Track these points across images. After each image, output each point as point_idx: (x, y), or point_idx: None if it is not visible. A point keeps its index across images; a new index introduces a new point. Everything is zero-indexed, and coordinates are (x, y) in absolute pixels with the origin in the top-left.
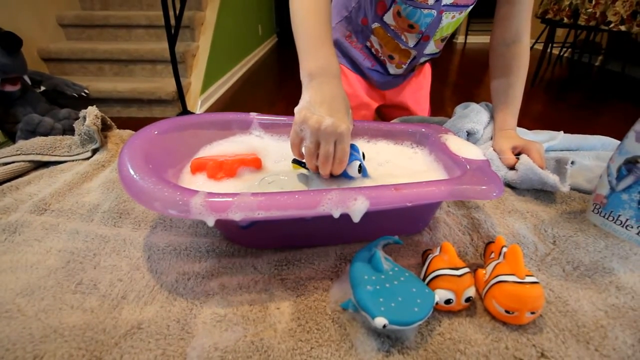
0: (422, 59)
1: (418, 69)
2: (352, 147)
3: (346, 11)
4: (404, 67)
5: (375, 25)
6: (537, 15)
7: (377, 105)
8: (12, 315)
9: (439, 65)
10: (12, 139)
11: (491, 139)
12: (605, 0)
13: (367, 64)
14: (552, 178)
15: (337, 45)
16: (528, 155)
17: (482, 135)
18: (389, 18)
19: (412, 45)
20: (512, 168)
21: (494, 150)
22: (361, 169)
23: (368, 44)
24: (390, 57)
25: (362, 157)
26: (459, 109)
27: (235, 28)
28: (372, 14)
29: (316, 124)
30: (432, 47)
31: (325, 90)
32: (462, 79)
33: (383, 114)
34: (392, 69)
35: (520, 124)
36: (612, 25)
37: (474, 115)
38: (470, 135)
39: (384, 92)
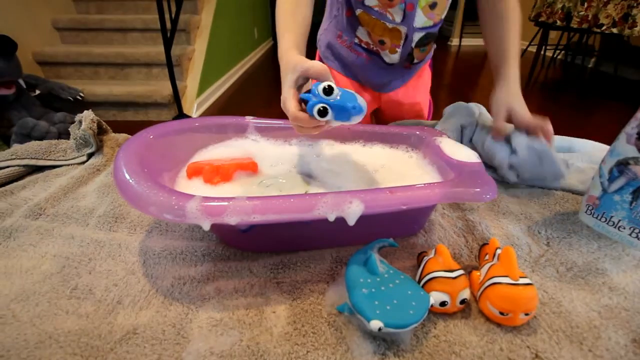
0: (416, 37)
1: (417, 72)
2: (312, 92)
3: (336, 10)
4: (399, 50)
5: (359, 11)
6: (531, 18)
7: (371, 110)
8: (7, 321)
9: (434, 66)
10: (6, 142)
11: (482, 129)
12: (597, 3)
13: (361, 61)
14: (562, 169)
15: (330, 48)
16: (536, 136)
17: (477, 124)
18: (370, 0)
19: (399, 21)
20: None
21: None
22: (325, 111)
23: (357, 40)
24: (381, 42)
25: (328, 95)
26: (447, 110)
27: (231, 31)
28: (354, 1)
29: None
30: (421, 18)
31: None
32: (456, 81)
33: (378, 118)
34: (388, 57)
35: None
36: (604, 27)
37: (463, 109)
38: (465, 128)
39: (379, 95)
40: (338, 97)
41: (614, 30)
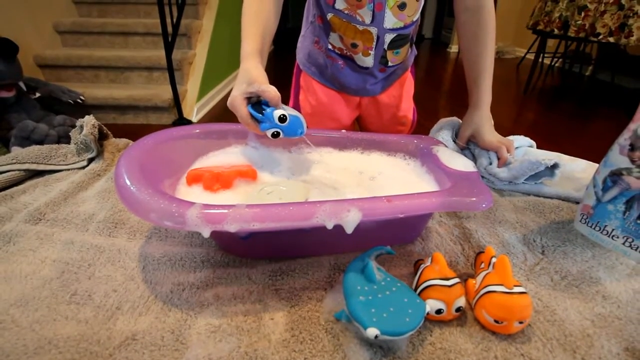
0: (388, 39)
1: (398, 79)
2: (267, 116)
3: (312, 17)
4: (371, 53)
5: (330, 15)
6: (529, 26)
7: (353, 117)
8: (6, 326)
9: (433, 73)
10: (5, 145)
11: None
12: (594, 12)
13: (337, 67)
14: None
15: (309, 55)
16: (501, 155)
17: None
18: (340, 3)
19: (368, 22)
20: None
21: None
22: (278, 134)
23: (330, 46)
24: (354, 46)
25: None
26: (437, 124)
27: (232, 36)
28: (324, 5)
29: None
30: (391, 19)
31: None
32: (455, 87)
33: (361, 126)
34: (361, 60)
35: (513, 133)
36: (601, 36)
37: (450, 122)
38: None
39: (359, 101)
40: (289, 124)
41: (611, 40)
